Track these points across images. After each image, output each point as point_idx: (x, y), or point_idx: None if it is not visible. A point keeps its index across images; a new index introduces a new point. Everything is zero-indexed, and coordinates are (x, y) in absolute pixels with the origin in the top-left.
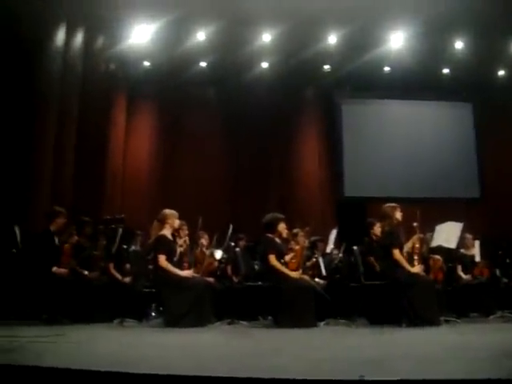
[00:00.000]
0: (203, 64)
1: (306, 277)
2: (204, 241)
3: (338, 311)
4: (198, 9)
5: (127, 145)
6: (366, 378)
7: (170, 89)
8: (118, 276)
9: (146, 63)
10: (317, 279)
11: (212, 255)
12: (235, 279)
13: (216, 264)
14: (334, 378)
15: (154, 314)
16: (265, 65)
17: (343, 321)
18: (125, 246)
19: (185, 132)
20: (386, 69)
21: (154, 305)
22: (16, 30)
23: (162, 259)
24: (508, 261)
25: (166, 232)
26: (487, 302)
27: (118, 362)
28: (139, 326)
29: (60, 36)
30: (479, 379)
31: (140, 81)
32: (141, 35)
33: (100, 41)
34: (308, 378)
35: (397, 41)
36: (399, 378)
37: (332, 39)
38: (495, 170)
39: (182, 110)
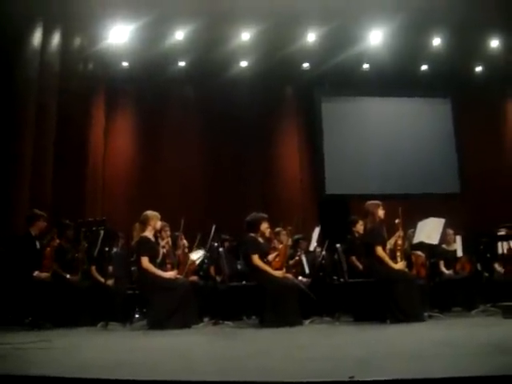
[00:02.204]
0: (182, 63)
1: (289, 275)
2: (185, 242)
3: (322, 309)
4: (176, 8)
5: (107, 145)
6: (355, 379)
7: (149, 88)
8: (101, 279)
9: (125, 63)
10: (300, 277)
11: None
12: (219, 279)
13: (196, 264)
14: (323, 380)
15: (137, 316)
16: (244, 63)
17: (328, 318)
18: (107, 249)
19: (165, 131)
20: (365, 66)
21: (137, 307)
22: None
23: (145, 261)
24: (489, 255)
25: (149, 233)
26: (469, 297)
27: (105, 367)
28: (123, 329)
29: (37, 36)
30: (468, 377)
31: (119, 80)
32: (119, 35)
33: (78, 41)
34: (297, 380)
35: (375, 38)
36: (389, 378)
37: (311, 37)
38: (475, 165)
39: (161, 109)
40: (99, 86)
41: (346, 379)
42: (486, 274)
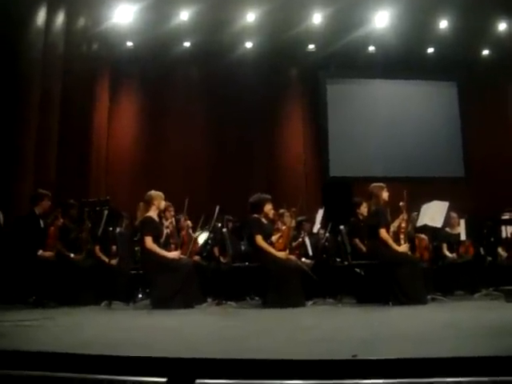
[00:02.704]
0: (187, 44)
1: (292, 257)
2: (189, 222)
3: (325, 291)
4: None
5: (111, 125)
6: (358, 358)
7: (153, 69)
8: (105, 258)
9: (130, 43)
10: (303, 259)
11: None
12: (222, 260)
13: (199, 245)
14: (326, 358)
15: (140, 295)
16: (249, 45)
17: (330, 300)
18: (111, 228)
19: (169, 112)
20: (371, 48)
21: (140, 287)
22: None
23: (149, 241)
24: (492, 239)
25: (153, 213)
26: (472, 280)
27: (107, 345)
28: (126, 308)
29: (41, 16)
30: (470, 357)
31: (123, 61)
32: (123, 15)
33: (82, 21)
34: (300, 359)
35: (381, 20)
36: (393, 357)
37: (316, 19)
38: (480, 149)
39: (165, 90)
40: (103, 67)
41: (349, 358)
42: (489, 258)
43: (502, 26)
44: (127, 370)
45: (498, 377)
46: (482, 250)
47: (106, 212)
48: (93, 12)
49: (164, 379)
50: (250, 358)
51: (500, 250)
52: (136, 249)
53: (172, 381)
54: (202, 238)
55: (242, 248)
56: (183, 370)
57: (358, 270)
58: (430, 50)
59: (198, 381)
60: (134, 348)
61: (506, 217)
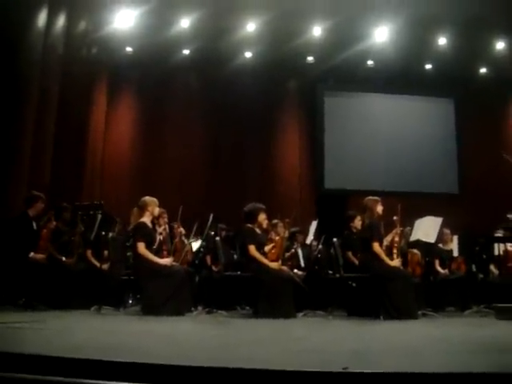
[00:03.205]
0: (187, 51)
1: (285, 268)
2: (182, 229)
3: (316, 303)
4: None
5: (108, 130)
6: (349, 370)
7: (152, 75)
8: (96, 263)
9: (129, 48)
10: (296, 270)
11: (190, 245)
12: (214, 268)
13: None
14: (316, 370)
15: (131, 301)
16: (248, 54)
17: (321, 312)
18: (103, 233)
19: (166, 119)
20: (370, 62)
21: (131, 292)
22: None
23: (141, 246)
24: (485, 257)
25: (146, 219)
26: (463, 297)
27: (97, 349)
28: (117, 313)
29: (42, 18)
30: (461, 372)
31: (122, 66)
32: (124, 20)
33: (83, 24)
34: (291, 369)
35: (381, 35)
36: (384, 371)
37: (316, 31)
38: (475, 167)
39: (164, 96)
40: (102, 71)
41: (340, 370)
42: (481, 275)
43: (500, 45)
44: (117, 375)
45: None
46: (474, 267)
47: (99, 216)
48: (93, 16)
49: None
50: (240, 367)
51: (492, 267)
52: (128, 254)
53: None
54: (195, 245)
55: (235, 257)
56: (174, 377)
57: (350, 283)
58: (429, 67)
59: None
60: (124, 353)
61: (498, 234)
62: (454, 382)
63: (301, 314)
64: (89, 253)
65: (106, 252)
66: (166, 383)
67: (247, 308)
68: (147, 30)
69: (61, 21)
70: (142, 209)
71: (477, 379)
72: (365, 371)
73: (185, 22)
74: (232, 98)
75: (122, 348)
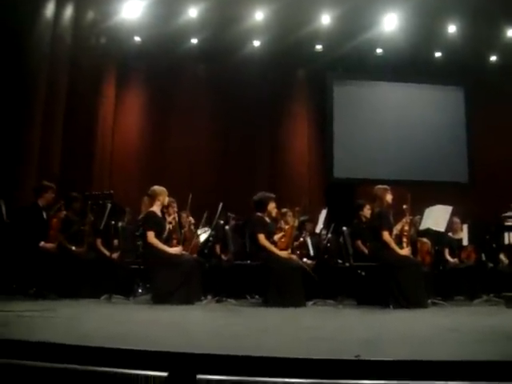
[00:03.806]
0: (195, 41)
1: (294, 256)
2: (191, 219)
3: (325, 291)
4: None
5: (116, 120)
6: (361, 358)
7: (160, 65)
8: (106, 252)
9: (137, 38)
10: (305, 259)
11: (197, 235)
12: (224, 257)
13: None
14: (329, 357)
15: (141, 290)
16: (257, 43)
17: (331, 301)
18: (113, 222)
19: (175, 109)
20: (379, 51)
21: (141, 281)
22: (5, 3)
23: (151, 236)
24: (494, 246)
25: (156, 209)
26: (473, 286)
27: (108, 337)
28: (127, 302)
29: (50, 9)
30: (471, 361)
31: (131, 56)
32: (132, 10)
33: (91, 15)
34: (302, 357)
35: (390, 23)
36: (395, 359)
37: (325, 19)
38: (485, 155)
39: (172, 86)
40: (110, 62)
41: (352, 358)
42: (491, 264)
43: (510, 33)
44: (129, 364)
45: (498, 381)
46: (483, 256)
47: (108, 206)
48: (101, 6)
49: (165, 373)
50: (251, 355)
51: (502, 256)
52: (138, 243)
53: (173, 375)
54: (204, 235)
55: (244, 246)
56: (185, 365)
57: (359, 272)
58: (438, 55)
59: (199, 376)
60: (135, 341)
61: (509, 223)
62: (463, 371)
63: (310, 303)
64: (99, 242)
65: (115, 241)
66: (177, 371)
67: (257, 297)
68: (155, 20)
69: (69, 11)
70: (152, 198)
71: (485, 367)
72: (377, 359)
73: (193, 12)
74: (240, 88)
75: (132, 336)
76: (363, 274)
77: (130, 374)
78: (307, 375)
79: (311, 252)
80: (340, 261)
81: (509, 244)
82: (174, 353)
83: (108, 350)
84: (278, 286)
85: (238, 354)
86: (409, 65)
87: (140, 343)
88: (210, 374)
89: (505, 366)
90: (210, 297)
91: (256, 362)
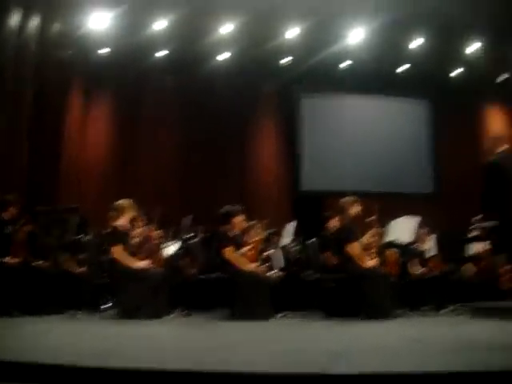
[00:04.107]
0: (163, 52)
1: (262, 269)
2: (159, 232)
3: (293, 304)
4: None
5: (84, 132)
6: (328, 372)
7: (128, 75)
8: (72, 266)
9: (105, 50)
10: (273, 272)
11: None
12: (192, 271)
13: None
14: (295, 372)
15: (108, 305)
16: (225, 56)
17: (299, 314)
18: (79, 236)
19: (142, 120)
20: (345, 64)
21: (108, 296)
22: None
23: (117, 250)
24: (460, 256)
25: (122, 222)
26: (440, 296)
27: (73, 354)
28: (93, 317)
29: (15, 19)
30: (437, 372)
31: (98, 67)
32: (100, 21)
33: (57, 26)
34: (270, 372)
35: (356, 36)
36: (362, 372)
37: (293, 32)
38: (450, 166)
39: (140, 97)
40: (78, 73)
41: (319, 372)
42: (457, 274)
43: (474, 47)
44: (97, 381)
45: None
46: (450, 266)
47: (74, 220)
48: (68, 17)
49: None
50: (217, 370)
51: (467, 266)
52: (104, 258)
53: None
54: (172, 248)
55: (212, 259)
56: (152, 381)
57: (327, 284)
58: (404, 68)
59: None
60: (100, 357)
61: (473, 234)
62: (428, 382)
63: (279, 316)
64: (64, 257)
65: (81, 256)
66: None
67: (225, 310)
68: (123, 32)
69: (35, 22)
70: (119, 212)
71: (450, 379)
72: (343, 373)
73: (161, 23)
74: (208, 100)
75: (98, 352)
76: (331, 285)
77: None
78: None
79: (279, 264)
80: (308, 273)
81: (474, 254)
82: (141, 369)
83: (74, 367)
84: (246, 300)
85: (205, 370)
86: (375, 78)
87: (106, 359)
88: None
89: (469, 376)
90: (177, 311)
91: (222, 378)
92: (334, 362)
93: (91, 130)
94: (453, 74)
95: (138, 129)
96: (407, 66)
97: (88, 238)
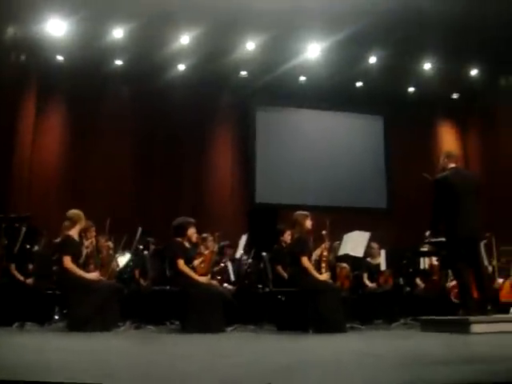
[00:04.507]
0: (119, 62)
1: (214, 282)
2: (110, 243)
3: (245, 317)
4: (115, 5)
5: (36, 139)
6: None
7: (83, 85)
8: (20, 277)
9: (60, 57)
10: (225, 284)
11: (116, 260)
12: (143, 283)
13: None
14: None
15: (57, 317)
16: (182, 67)
17: (251, 327)
18: (28, 246)
19: (96, 130)
20: (302, 78)
21: (57, 308)
22: None
23: (68, 260)
24: (411, 270)
25: (73, 232)
26: (391, 310)
27: (18, 368)
28: (41, 329)
29: None
30: None
31: (52, 74)
32: (56, 28)
33: (11, 30)
34: None
35: (313, 52)
36: None
37: (250, 46)
38: (403, 182)
39: (94, 107)
40: (31, 79)
41: None
42: (408, 289)
43: (427, 66)
44: None
45: None
46: (401, 281)
47: (23, 229)
48: (23, 23)
49: None
50: None
51: (418, 280)
52: (54, 268)
53: None
54: (123, 259)
55: (164, 271)
56: None
57: (279, 297)
58: (359, 84)
59: None
60: (46, 371)
61: (424, 249)
62: None
63: (230, 329)
64: (12, 267)
65: (30, 266)
66: None
67: (176, 323)
68: (79, 39)
69: None
70: (69, 222)
71: None
72: None
73: (118, 33)
74: (164, 111)
75: (44, 366)
76: (283, 299)
77: None
78: None
79: (232, 277)
80: (260, 286)
81: (424, 269)
82: None
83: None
84: (197, 312)
85: None
86: (331, 93)
87: (53, 374)
88: None
89: None
90: (128, 323)
91: None
92: (279, 377)
93: (44, 137)
94: (407, 92)
95: (93, 138)
96: (363, 82)
97: (38, 247)
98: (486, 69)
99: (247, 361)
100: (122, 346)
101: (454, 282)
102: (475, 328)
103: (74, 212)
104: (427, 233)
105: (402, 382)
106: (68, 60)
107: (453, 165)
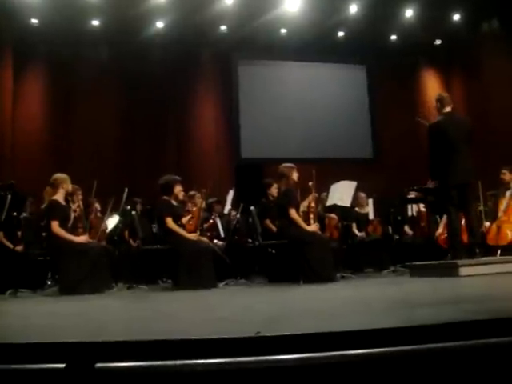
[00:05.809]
0: (96, 22)
1: (204, 238)
2: (97, 205)
3: (237, 271)
4: None
5: (16, 106)
6: (262, 334)
7: (61, 48)
8: (9, 244)
9: (34, 20)
10: (215, 241)
11: (105, 222)
12: (133, 243)
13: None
14: (227, 336)
15: (49, 282)
16: (160, 24)
17: (243, 280)
18: (15, 213)
19: (77, 93)
20: (283, 31)
21: (49, 273)
22: None
23: (56, 225)
24: (399, 218)
25: (59, 197)
26: (380, 258)
27: (13, 332)
28: (33, 295)
29: None
30: (377, 329)
31: (28, 39)
32: None
33: None
34: (202, 338)
35: (293, 3)
36: (297, 332)
37: (229, 0)
38: (388, 131)
39: (73, 70)
40: (5, 45)
41: (253, 335)
42: (397, 236)
43: (409, 13)
44: (23, 358)
45: (402, 346)
46: (389, 229)
47: (9, 197)
48: None
49: (62, 365)
50: (153, 339)
51: (406, 228)
52: (43, 234)
53: (71, 366)
54: (112, 221)
55: (154, 231)
56: (82, 355)
57: (269, 250)
58: (341, 34)
59: (98, 365)
60: (32, 335)
61: (411, 196)
62: (370, 339)
63: (222, 284)
64: (1, 235)
65: (19, 233)
66: (75, 361)
67: (168, 281)
68: (53, 1)
69: None
70: (55, 186)
71: (387, 334)
72: (274, 334)
73: None
74: (145, 69)
75: (37, 329)
76: (273, 251)
77: (26, 369)
78: (209, 355)
79: (221, 233)
80: (250, 240)
81: (412, 216)
82: (71, 342)
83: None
84: (188, 269)
85: (137, 339)
86: (313, 44)
87: (46, 335)
88: (110, 362)
89: (407, 331)
90: (120, 284)
91: (155, 346)
92: (268, 326)
93: (24, 104)
94: (389, 40)
95: (74, 102)
96: (344, 32)
97: (25, 214)
98: (468, 14)
99: (235, 313)
100: (112, 305)
101: (441, 229)
102: (464, 271)
103: (55, 176)
104: (429, 183)
105: (391, 324)
106: (43, 23)
107: (448, 109)
